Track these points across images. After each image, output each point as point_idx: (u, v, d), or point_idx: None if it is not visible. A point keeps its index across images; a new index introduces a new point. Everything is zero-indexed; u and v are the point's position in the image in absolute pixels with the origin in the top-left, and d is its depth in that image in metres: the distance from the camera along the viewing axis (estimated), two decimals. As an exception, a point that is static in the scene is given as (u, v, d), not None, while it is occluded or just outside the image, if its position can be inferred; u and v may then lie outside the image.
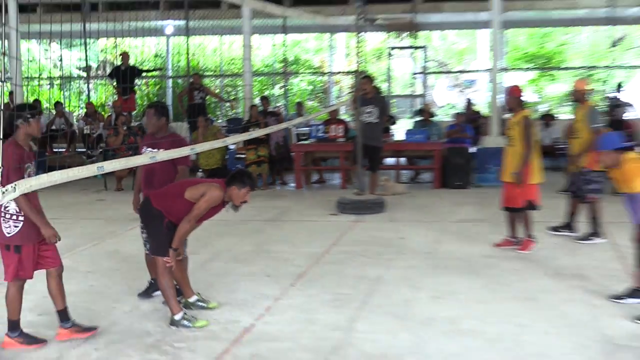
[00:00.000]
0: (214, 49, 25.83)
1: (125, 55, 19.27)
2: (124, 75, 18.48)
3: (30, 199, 5.97)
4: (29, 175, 5.85)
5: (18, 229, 6.04)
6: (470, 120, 18.26)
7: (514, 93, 10.48)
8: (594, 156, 10.01)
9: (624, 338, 6.66)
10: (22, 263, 6.12)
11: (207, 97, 19.27)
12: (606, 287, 8.13)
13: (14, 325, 6.30)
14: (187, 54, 23.10)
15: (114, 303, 7.80)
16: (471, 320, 7.17)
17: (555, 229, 10.97)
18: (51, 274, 6.35)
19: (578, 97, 10.79)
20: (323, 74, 27.55)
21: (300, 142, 17.51)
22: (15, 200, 5.64)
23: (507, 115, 10.76)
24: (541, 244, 10.15)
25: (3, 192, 4.65)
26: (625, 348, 6.37)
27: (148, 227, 7.24)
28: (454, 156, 16.23)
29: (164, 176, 7.51)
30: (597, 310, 7.46)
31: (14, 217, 6.04)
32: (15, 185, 4.80)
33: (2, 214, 6.05)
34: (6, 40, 19.66)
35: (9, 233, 6.05)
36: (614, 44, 23.49)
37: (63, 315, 6.43)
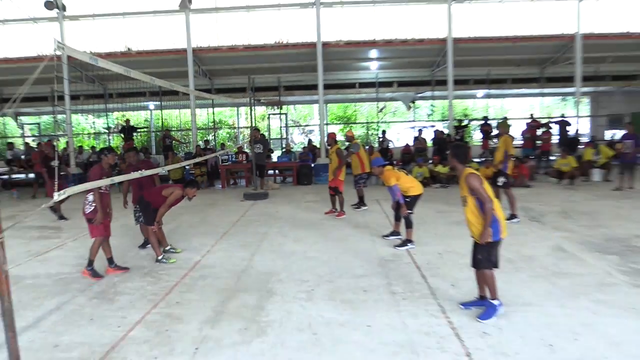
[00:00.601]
0: (176, 116, 25.27)
1: (127, 120, 18.59)
2: (128, 130, 17.89)
3: (102, 196, 6.36)
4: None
5: (92, 209, 6.29)
6: (311, 150, 18.34)
7: (331, 136, 10.90)
8: (364, 166, 10.80)
9: (389, 256, 6.90)
10: (96, 229, 6.35)
11: (173, 141, 18.78)
12: (380, 232, 8.38)
13: (90, 263, 6.41)
14: (162, 119, 22.54)
15: (125, 251, 7.63)
16: (313, 252, 7.29)
17: (355, 205, 11.11)
18: (105, 238, 6.55)
19: (349, 138, 11.21)
20: (234, 128, 27.35)
21: (223, 164, 17.22)
22: (93, 195, 6.25)
23: (328, 147, 10.92)
24: (348, 213, 10.31)
25: (59, 195, 4.42)
26: (390, 262, 6.64)
27: (143, 210, 7.22)
28: (303, 168, 16.25)
29: (148, 182, 7.66)
30: (375, 244, 7.67)
31: (90, 203, 6.31)
32: (65, 190, 4.56)
33: (86, 201, 6.33)
34: (64, 115, 18.83)
35: (86, 211, 6.32)
36: (380, 110, 24.06)
37: (110, 260, 6.59)
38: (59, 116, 23.37)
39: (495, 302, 4.56)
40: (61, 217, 10.69)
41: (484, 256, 4.56)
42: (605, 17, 18.16)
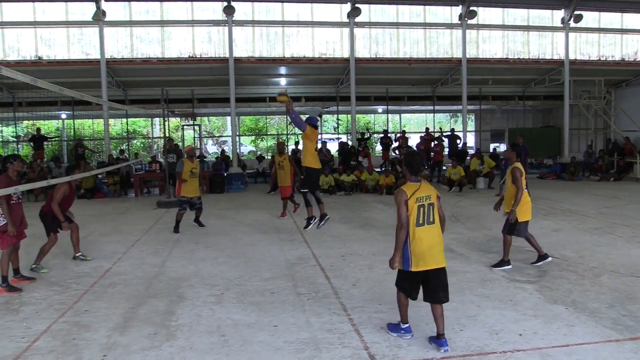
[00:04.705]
0: (89, 126, 23.85)
1: (38, 129, 17.61)
2: (38, 139, 16.87)
3: (14, 206, 5.77)
4: None
5: (4, 222, 5.69)
6: (223, 159, 18.05)
7: (281, 144, 11.24)
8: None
9: (295, 260, 6.92)
10: (6, 239, 5.73)
11: (86, 150, 17.78)
12: (288, 237, 8.36)
13: (4, 279, 5.73)
14: (74, 128, 21.29)
15: (32, 261, 7.02)
16: (223, 257, 7.19)
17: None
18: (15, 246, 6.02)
19: (190, 153, 10.18)
20: (149, 138, 26.48)
21: (136, 173, 16.55)
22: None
23: (279, 155, 10.76)
24: (255, 219, 10.19)
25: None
26: (297, 264, 6.65)
27: (44, 221, 6.74)
28: (216, 177, 15.91)
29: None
30: (284, 247, 7.69)
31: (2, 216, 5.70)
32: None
33: None
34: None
35: None
36: (289, 123, 24.12)
37: (16, 271, 6.11)
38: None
39: (402, 325, 4.33)
40: None
41: (398, 276, 4.25)
42: (487, 44, 19.46)
